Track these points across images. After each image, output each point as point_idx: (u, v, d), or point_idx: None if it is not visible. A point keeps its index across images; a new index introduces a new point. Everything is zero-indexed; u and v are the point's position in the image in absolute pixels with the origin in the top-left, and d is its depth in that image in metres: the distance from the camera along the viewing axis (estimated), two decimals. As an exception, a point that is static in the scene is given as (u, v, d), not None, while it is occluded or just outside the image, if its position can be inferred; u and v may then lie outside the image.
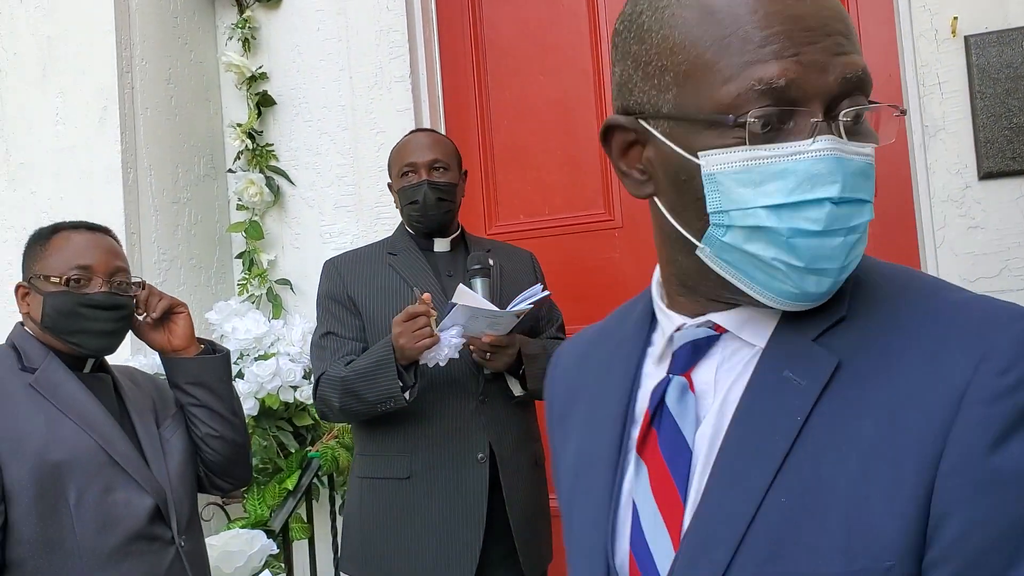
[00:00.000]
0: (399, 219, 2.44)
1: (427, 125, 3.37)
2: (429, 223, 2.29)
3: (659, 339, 0.92)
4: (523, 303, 2.10)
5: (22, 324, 1.83)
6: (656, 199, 0.86)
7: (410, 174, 2.26)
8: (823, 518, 0.73)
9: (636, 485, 0.85)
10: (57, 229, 1.83)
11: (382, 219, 3.36)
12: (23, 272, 1.84)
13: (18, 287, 1.82)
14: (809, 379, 0.77)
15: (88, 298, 1.77)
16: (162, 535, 1.75)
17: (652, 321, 0.95)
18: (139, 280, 1.88)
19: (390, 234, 2.48)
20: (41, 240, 1.82)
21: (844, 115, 0.76)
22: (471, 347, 2.12)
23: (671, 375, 0.86)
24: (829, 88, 0.75)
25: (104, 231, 1.87)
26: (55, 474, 1.61)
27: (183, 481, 1.87)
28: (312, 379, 2.24)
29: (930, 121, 2.81)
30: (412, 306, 2.03)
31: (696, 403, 0.84)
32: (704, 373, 0.85)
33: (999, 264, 2.73)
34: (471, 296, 2.07)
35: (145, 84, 3.30)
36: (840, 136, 0.75)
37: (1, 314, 2.95)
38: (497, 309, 2.07)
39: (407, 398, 2.05)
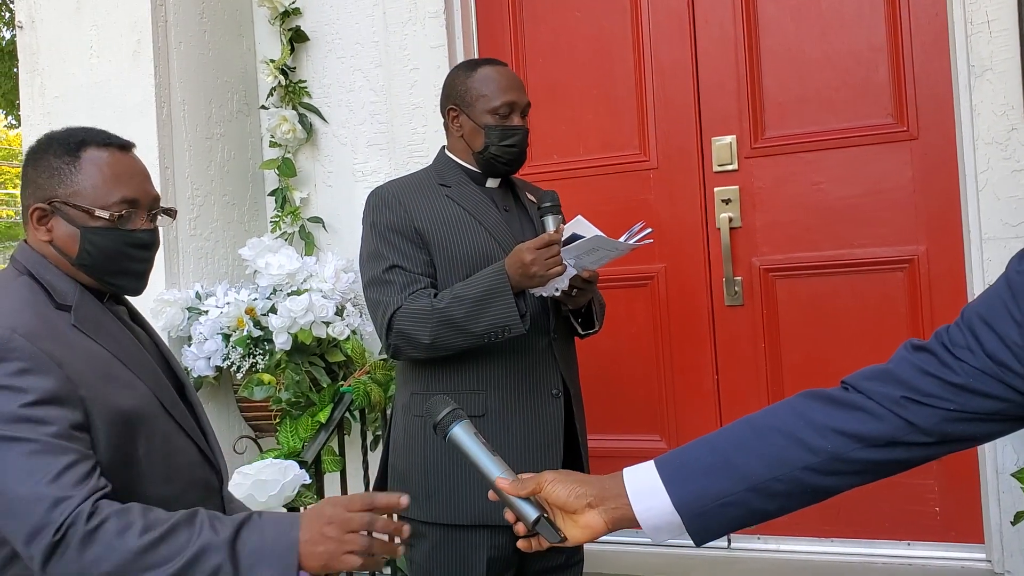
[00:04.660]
0: (431, 157, 2.41)
1: (460, 61, 3.33)
2: (513, 167, 2.28)
3: None
4: (636, 239, 2.07)
5: (32, 249, 1.57)
6: None
7: (510, 115, 2.22)
8: None
9: None
10: (85, 143, 1.57)
11: (415, 157, 3.34)
12: (32, 188, 1.56)
13: (34, 209, 1.54)
14: None
15: (133, 237, 1.58)
16: (211, 482, 1.68)
17: None
18: (171, 208, 1.72)
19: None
20: (68, 155, 1.55)
21: None
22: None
23: None
24: None
25: (133, 147, 1.65)
26: (127, 424, 1.47)
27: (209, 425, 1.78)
28: (379, 315, 2.11)
29: (977, 61, 2.74)
30: (547, 234, 2.01)
31: None
32: None
33: (1043, 208, 2.67)
34: (589, 227, 2.04)
35: (179, 17, 3.28)
36: None
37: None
38: (621, 241, 2.05)
39: (525, 325, 2.03)
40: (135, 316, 1.73)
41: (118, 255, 1.57)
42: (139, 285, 1.64)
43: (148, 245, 1.61)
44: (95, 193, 1.54)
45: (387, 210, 2.18)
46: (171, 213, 1.70)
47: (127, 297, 1.71)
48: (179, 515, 1.36)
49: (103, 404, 1.44)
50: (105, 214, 1.54)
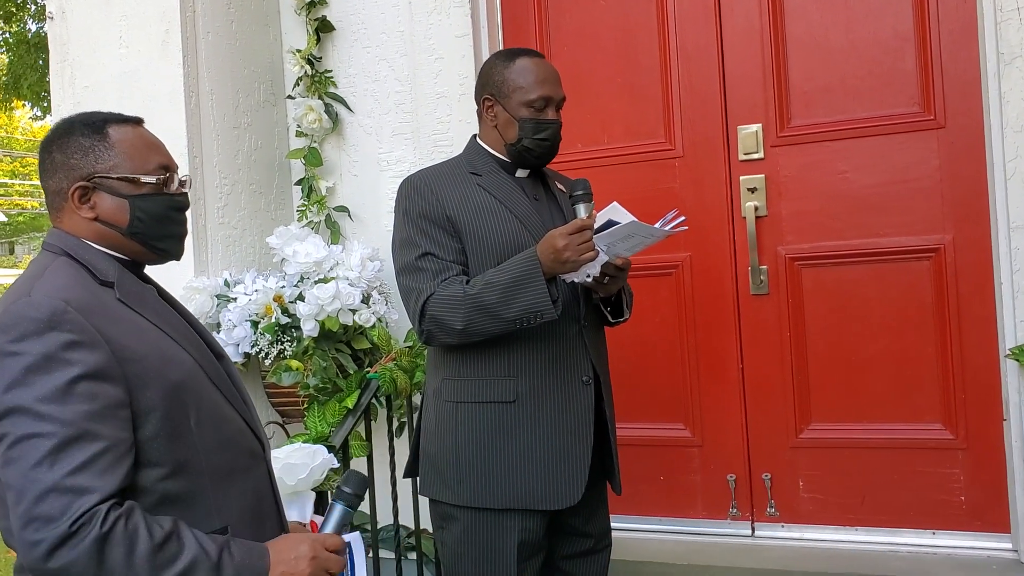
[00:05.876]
0: (455, 147, 2.43)
1: (485, 51, 3.34)
2: (544, 160, 2.29)
3: None
4: (670, 226, 2.09)
5: (66, 232, 1.59)
6: None
7: (545, 109, 2.24)
8: None
9: None
10: (107, 121, 1.61)
11: (440, 146, 3.35)
12: (64, 171, 1.58)
13: (75, 188, 1.57)
14: None
15: (174, 200, 1.64)
16: (256, 449, 1.71)
17: None
18: (187, 176, 1.76)
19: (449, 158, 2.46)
20: (95, 133, 1.59)
21: None
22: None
23: None
24: None
25: (144, 122, 1.69)
26: (177, 395, 1.52)
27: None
28: (412, 302, 2.14)
29: (1006, 48, 2.72)
30: (580, 219, 2.02)
31: None
32: None
33: (1072, 196, 2.65)
34: (625, 214, 2.05)
35: (206, 8, 3.31)
36: None
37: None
38: (657, 227, 2.06)
39: (557, 311, 2.05)
40: (164, 293, 1.75)
41: (164, 219, 1.63)
42: (181, 249, 1.70)
43: (184, 208, 1.68)
44: (133, 163, 1.60)
45: (419, 198, 2.20)
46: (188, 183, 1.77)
47: (156, 281, 1.74)
48: (171, 524, 1.42)
49: (155, 377, 1.49)
50: (151, 179, 1.61)
